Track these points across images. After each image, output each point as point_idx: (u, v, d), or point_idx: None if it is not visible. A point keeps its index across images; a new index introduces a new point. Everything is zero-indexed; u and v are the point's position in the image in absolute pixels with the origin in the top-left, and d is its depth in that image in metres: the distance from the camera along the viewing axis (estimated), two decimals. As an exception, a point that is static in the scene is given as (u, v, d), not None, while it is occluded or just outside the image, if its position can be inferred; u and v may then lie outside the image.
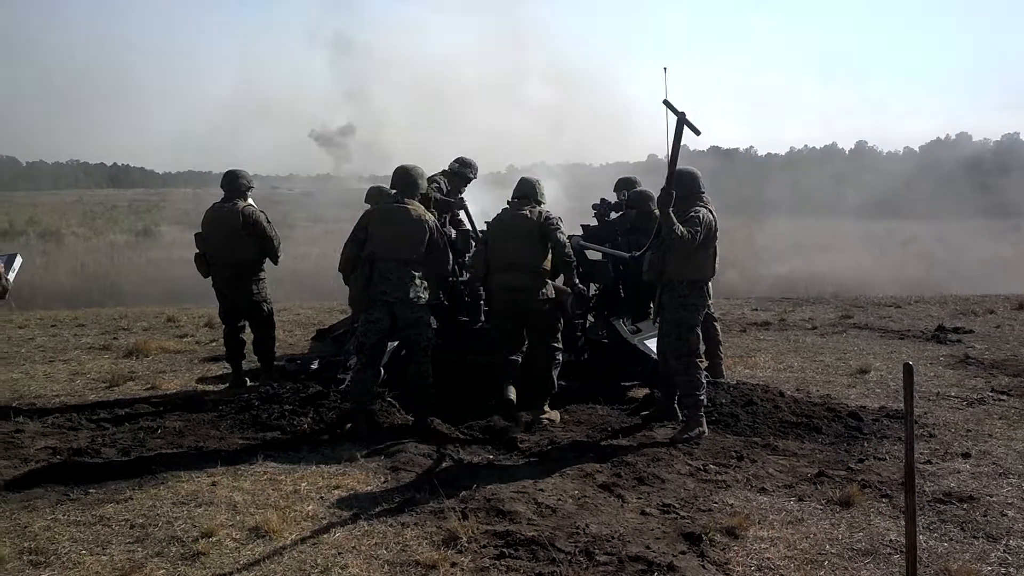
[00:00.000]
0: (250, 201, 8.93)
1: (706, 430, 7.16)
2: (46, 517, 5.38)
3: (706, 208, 7.12)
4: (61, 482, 6.02)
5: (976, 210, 43.92)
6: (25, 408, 8.12)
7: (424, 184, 7.72)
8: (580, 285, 8.07)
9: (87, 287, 22.38)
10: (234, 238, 8.68)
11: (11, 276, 5.64)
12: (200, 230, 8.89)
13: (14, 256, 6.44)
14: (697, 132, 6.97)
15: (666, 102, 6.92)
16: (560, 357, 7.84)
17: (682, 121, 6.77)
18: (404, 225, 7.28)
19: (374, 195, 8.46)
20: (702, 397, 7.18)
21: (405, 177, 7.55)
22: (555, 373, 7.78)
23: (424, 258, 7.32)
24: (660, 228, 6.94)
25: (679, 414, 7.47)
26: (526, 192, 7.80)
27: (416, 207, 7.41)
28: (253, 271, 8.86)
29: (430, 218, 7.44)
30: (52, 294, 19.62)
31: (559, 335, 7.84)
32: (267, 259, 8.92)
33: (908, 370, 3.66)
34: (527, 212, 7.61)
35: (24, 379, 9.54)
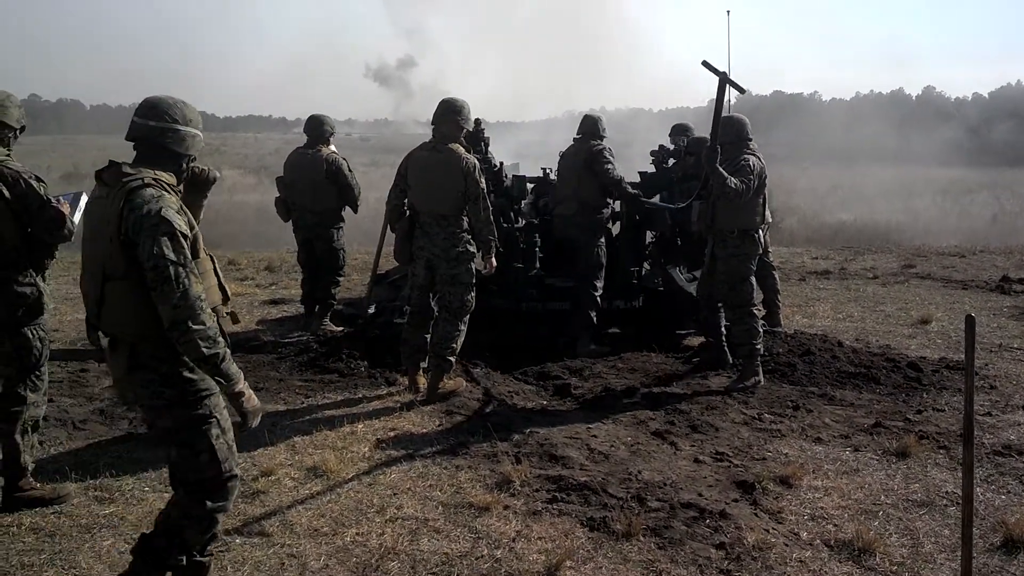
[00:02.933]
0: (333, 148, 8.94)
1: (762, 379, 7.12)
2: (111, 455, 5.55)
3: (755, 155, 7.02)
4: (126, 420, 6.19)
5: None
6: (91, 348, 8.32)
7: (470, 121, 7.00)
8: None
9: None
10: (317, 185, 8.70)
11: (77, 216, 5.72)
12: (281, 174, 8.95)
13: (80, 194, 6.54)
14: (741, 91, 7.07)
15: (705, 63, 6.83)
16: (598, 295, 8.12)
17: (724, 81, 6.72)
18: (442, 175, 6.64)
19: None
20: (759, 346, 7.13)
21: (446, 114, 6.74)
22: (592, 311, 8.05)
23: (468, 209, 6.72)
24: (707, 178, 6.87)
25: (729, 360, 7.45)
26: (588, 129, 8.36)
27: (456, 152, 6.66)
28: (334, 219, 8.89)
29: (470, 164, 6.64)
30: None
31: (600, 272, 8.18)
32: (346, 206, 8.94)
33: (970, 322, 3.58)
34: (580, 147, 8.17)
35: (91, 320, 9.75)
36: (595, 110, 8.52)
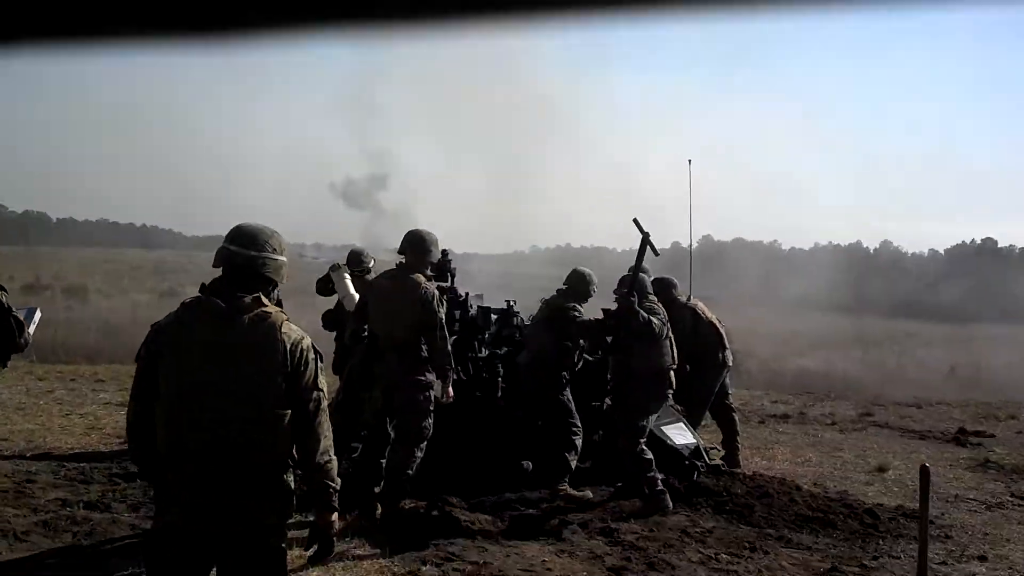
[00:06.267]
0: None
1: (670, 505, 7.26)
2: (53, 568, 5.35)
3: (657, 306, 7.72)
4: (70, 533, 6.00)
5: (1001, 314, 43.65)
6: (39, 458, 8.14)
7: (437, 253, 7.13)
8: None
9: (108, 344, 22.51)
10: None
11: (31, 329, 5.70)
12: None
13: (34, 310, 6.56)
14: (656, 253, 7.89)
15: (635, 220, 7.64)
16: (577, 440, 7.81)
17: (645, 241, 7.54)
18: (400, 303, 6.65)
19: (353, 260, 8.60)
20: (652, 474, 7.34)
21: (413, 245, 6.84)
22: (571, 454, 7.75)
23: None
24: (617, 331, 7.59)
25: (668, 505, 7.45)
26: (572, 285, 8.17)
27: (416, 280, 6.70)
28: None
29: (428, 293, 6.67)
30: (73, 348, 19.71)
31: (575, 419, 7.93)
32: None
33: (924, 472, 3.66)
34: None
35: (40, 430, 9.56)
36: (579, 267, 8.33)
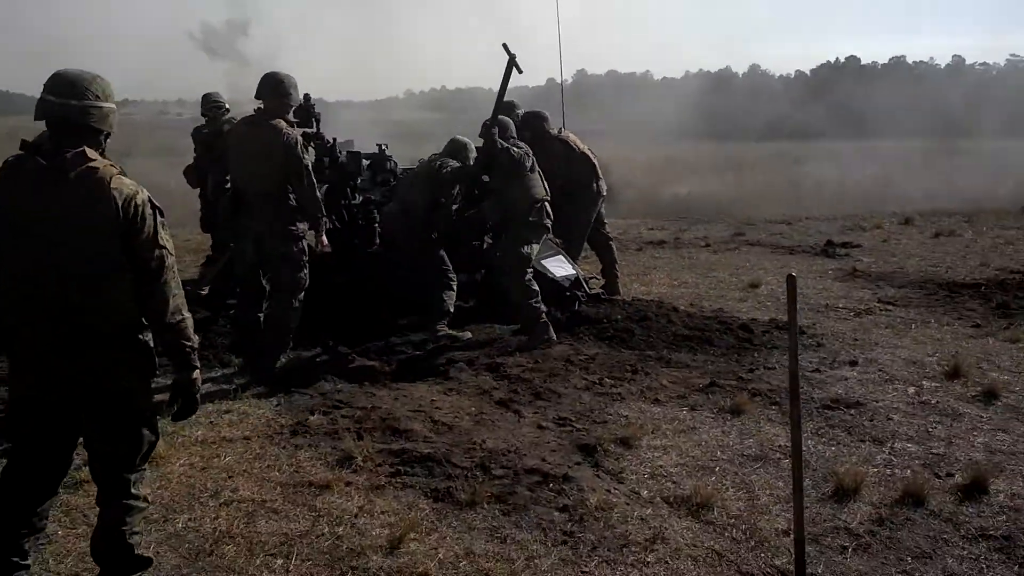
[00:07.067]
0: None
1: (554, 337, 7.40)
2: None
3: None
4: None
5: (865, 130, 45.04)
6: None
7: (297, 96, 6.75)
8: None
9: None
10: None
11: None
12: None
13: None
14: (520, 71, 7.65)
15: (504, 45, 7.57)
16: (452, 283, 7.81)
17: (511, 63, 7.48)
18: (262, 151, 6.32)
19: (207, 106, 8.24)
20: (538, 306, 7.46)
21: (270, 87, 6.45)
22: (447, 295, 7.73)
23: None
24: (487, 170, 7.72)
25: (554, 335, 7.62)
26: (454, 152, 8.06)
27: (277, 126, 6.34)
28: None
29: (291, 139, 6.35)
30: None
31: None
32: None
33: (791, 281, 3.71)
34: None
35: None
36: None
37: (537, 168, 7.75)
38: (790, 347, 3.63)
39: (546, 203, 7.75)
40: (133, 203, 3.18)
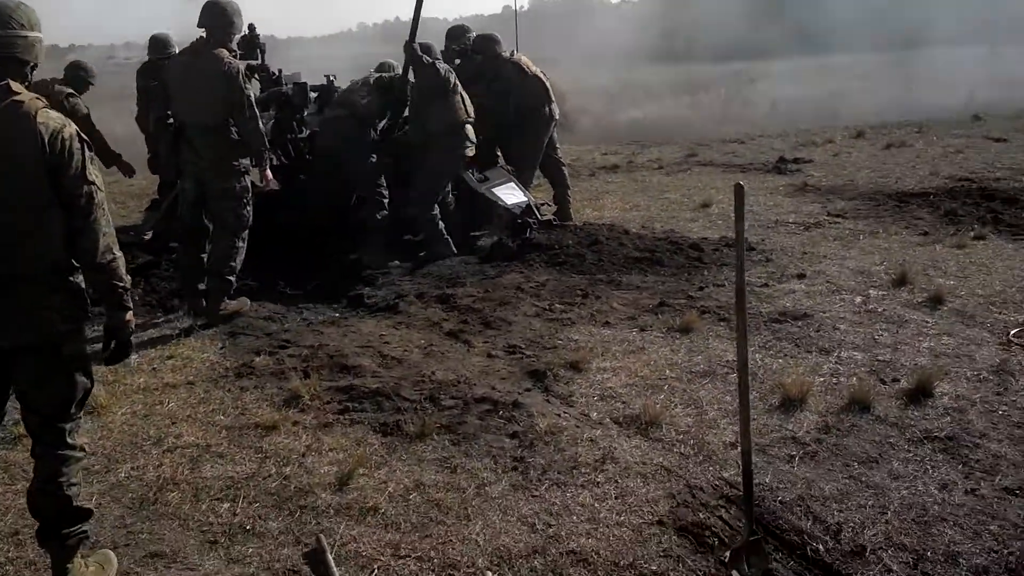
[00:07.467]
0: None
1: (454, 251, 7.89)
2: None
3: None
4: None
5: (817, 46, 44.91)
6: None
7: (240, 24, 6.42)
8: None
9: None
10: None
11: None
12: None
13: None
14: None
15: None
16: (384, 198, 8.04)
17: None
18: (203, 82, 6.08)
19: (156, 46, 8.01)
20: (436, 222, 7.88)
21: (215, 14, 6.19)
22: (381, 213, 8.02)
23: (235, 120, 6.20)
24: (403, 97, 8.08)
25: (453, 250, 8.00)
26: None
27: (218, 56, 6.10)
28: None
29: (233, 69, 6.10)
30: None
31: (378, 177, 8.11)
32: None
33: (739, 189, 3.64)
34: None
35: None
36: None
37: (460, 91, 7.84)
38: (737, 256, 3.59)
39: (468, 126, 7.90)
40: (60, 137, 3.03)
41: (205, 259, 6.46)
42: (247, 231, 6.44)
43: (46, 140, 3.01)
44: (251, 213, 6.43)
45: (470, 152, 7.98)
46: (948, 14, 40.74)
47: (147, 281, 7.09)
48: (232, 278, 6.40)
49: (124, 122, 10.12)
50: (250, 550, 3.56)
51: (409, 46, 7.60)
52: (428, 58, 7.66)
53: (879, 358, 5.26)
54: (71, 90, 7.95)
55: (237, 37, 6.57)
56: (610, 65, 42.70)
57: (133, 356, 5.56)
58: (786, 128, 17.86)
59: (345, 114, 7.91)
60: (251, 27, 7.69)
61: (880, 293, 6.48)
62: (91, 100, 8.46)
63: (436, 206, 7.91)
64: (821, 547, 3.53)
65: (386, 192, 7.94)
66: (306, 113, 8.83)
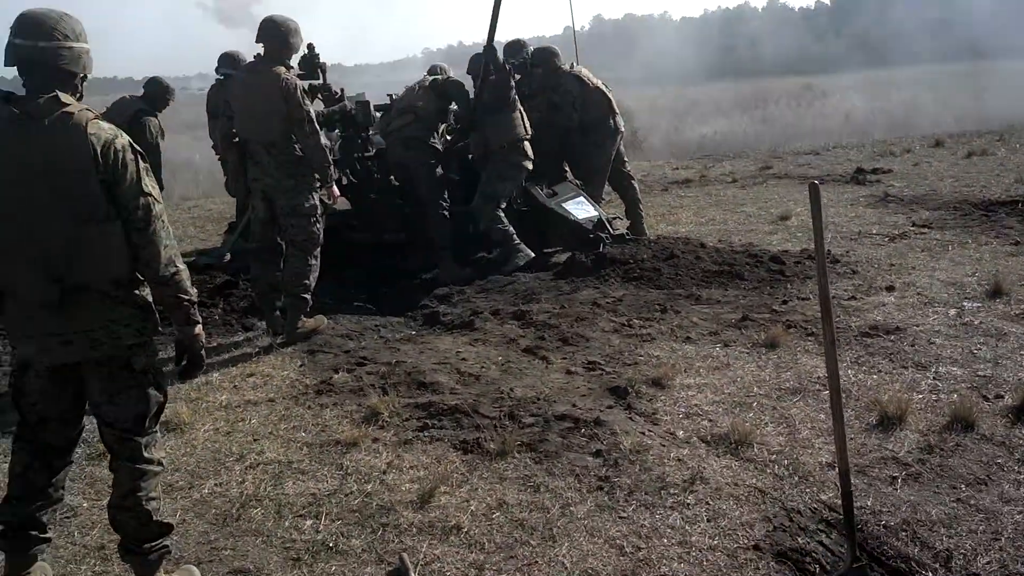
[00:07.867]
0: None
1: (530, 254, 7.94)
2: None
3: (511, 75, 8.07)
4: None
5: (890, 58, 44.16)
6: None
7: (298, 41, 6.35)
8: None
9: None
10: None
11: None
12: None
13: None
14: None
15: None
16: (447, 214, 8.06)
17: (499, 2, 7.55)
18: (262, 99, 6.07)
19: (225, 62, 8.08)
20: (505, 227, 7.95)
21: (271, 29, 6.16)
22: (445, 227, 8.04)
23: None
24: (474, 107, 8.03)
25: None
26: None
27: (275, 72, 6.06)
28: None
29: (290, 85, 6.05)
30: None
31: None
32: None
33: (814, 189, 3.49)
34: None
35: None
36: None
37: (519, 107, 7.95)
38: (817, 262, 3.42)
39: (526, 142, 7.98)
40: (112, 148, 2.99)
41: (280, 277, 6.45)
42: (319, 248, 6.40)
43: (98, 151, 2.97)
44: (321, 231, 6.40)
45: (528, 166, 8.04)
46: (1014, 24, 39.82)
47: (226, 300, 7.13)
48: (307, 296, 6.37)
49: (202, 150, 10.28)
50: (333, 568, 3.50)
51: (489, 47, 7.64)
52: (499, 61, 7.83)
53: (979, 373, 5.03)
54: (144, 106, 8.11)
55: (296, 56, 6.56)
56: (672, 81, 42.50)
57: (214, 374, 5.61)
58: (860, 139, 17.50)
59: (409, 119, 7.94)
60: (310, 47, 7.71)
61: (975, 305, 6.22)
62: (168, 130, 8.61)
63: (504, 215, 7.95)
64: (931, 575, 3.34)
65: (448, 207, 7.96)
66: (371, 132, 8.84)
